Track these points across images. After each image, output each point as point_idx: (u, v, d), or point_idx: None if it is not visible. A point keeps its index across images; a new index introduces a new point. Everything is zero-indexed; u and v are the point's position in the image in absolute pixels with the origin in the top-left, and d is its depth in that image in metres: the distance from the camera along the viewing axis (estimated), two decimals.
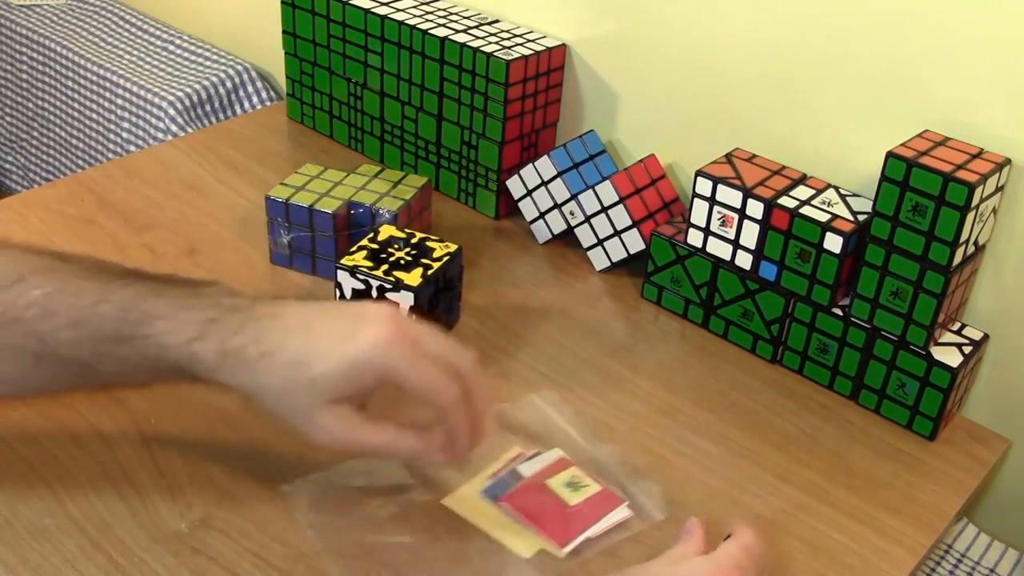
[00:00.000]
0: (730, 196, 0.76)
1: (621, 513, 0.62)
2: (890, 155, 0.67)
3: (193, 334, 0.56)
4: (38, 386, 0.60)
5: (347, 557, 0.58)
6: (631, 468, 0.66)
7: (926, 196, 0.66)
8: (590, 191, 0.86)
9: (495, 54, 0.87)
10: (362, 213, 0.82)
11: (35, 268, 0.57)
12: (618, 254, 0.87)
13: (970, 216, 0.66)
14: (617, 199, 0.85)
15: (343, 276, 0.73)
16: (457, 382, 0.57)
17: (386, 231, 0.77)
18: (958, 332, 0.74)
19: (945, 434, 0.74)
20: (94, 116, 1.34)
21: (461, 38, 0.90)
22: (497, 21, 0.96)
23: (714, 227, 0.78)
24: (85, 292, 0.57)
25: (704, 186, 0.77)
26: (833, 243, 0.72)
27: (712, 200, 0.77)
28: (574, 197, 0.87)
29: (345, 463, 0.64)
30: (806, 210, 0.73)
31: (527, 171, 0.90)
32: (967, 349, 0.72)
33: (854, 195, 0.76)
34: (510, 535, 0.60)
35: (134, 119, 1.27)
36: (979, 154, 0.68)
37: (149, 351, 0.56)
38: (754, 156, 0.80)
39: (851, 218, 0.73)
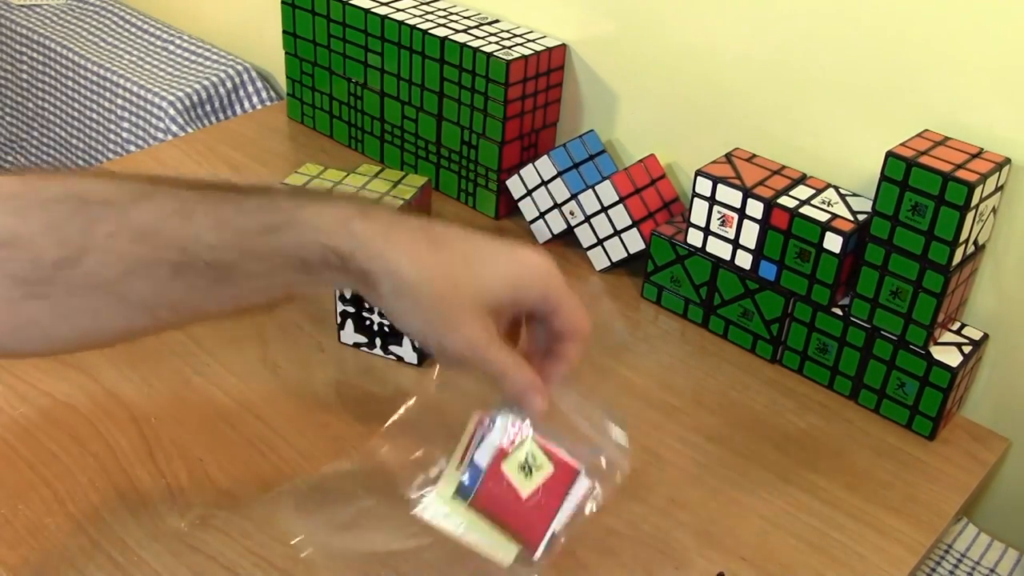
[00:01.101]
0: (730, 196, 0.76)
1: (581, 487, 0.58)
2: (890, 155, 0.67)
3: (351, 214, 0.53)
4: (171, 304, 0.54)
5: (335, 565, 0.57)
6: (593, 414, 0.62)
7: (926, 196, 0.66)
8: (590, 191, 0.86)
9: (495, 54, 0.87)
10: None
11: (159, 184, 0.54)
12: (618, 254, 0.87)
13: (970, 216, 0.66)
14: (617, 199, 0.85)
15: None
16: None
17: None
18: (958, 332, 0.74)
19: (945, 434, 0.74)
20: (94, 116, 1.34)
21: (461, 38, 0.90)
22: (497, 21, 0.96)
23: (714, 227, 0.78)
24: (220, 196, 0.54)
25: (704, 186, 0.77)
26: (833, 243, 0.72)
27: (712, 200, 0.77)
28: (574, 197, 0.87)
29: (326, 468, 0.63)
30: (806, 210, 0.73)
31: (527, 171, 0.90)
32: (967, 349, 0.72)
33: (854, 195, 0.76)
34: (488, 543, 0.57)
35: (134, 119, 1.27)
36: (979, 154, 0.68)
37: (304, 237, 0.53)
38: (754, 156, 0.80)
39: (851, 218, 0.73)
